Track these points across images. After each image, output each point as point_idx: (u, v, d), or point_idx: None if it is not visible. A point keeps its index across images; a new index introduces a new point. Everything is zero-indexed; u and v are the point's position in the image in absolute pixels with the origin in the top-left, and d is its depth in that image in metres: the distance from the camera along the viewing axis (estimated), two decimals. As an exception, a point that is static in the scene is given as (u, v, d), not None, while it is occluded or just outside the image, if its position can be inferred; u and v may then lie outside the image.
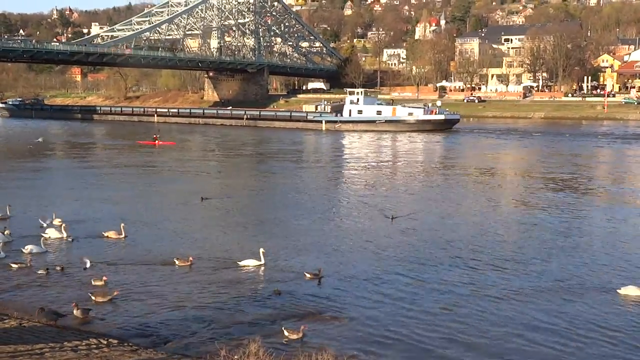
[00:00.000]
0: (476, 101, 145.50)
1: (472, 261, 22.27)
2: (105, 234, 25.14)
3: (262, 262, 21.51)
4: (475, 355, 14.75)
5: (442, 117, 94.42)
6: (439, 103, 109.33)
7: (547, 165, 53.50)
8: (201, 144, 77.92)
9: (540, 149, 68.44)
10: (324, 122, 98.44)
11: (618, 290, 18.35)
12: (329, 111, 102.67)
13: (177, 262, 21.20)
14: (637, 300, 17.86)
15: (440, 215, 30.52)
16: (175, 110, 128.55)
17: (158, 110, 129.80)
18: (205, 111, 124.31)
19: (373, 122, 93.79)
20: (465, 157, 60.95)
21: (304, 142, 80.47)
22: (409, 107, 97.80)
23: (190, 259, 21.37)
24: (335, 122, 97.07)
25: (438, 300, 18.29)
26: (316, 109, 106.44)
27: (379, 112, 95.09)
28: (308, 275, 20.04)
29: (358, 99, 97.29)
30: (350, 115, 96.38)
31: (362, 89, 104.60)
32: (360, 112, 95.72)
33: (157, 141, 69.47)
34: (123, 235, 24.96)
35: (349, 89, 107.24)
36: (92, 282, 18.97)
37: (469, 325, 16.38)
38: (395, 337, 15.65)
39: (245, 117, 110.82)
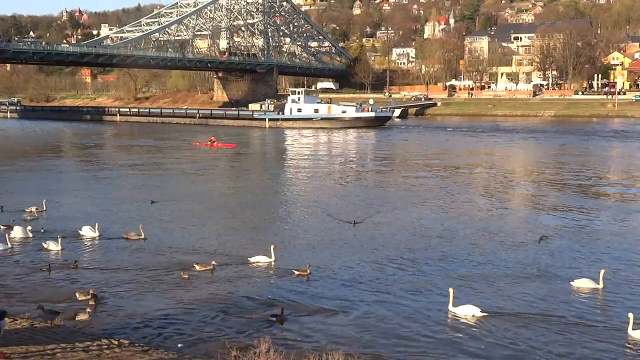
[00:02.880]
0: (423, 99, 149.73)
1: (437, 253, 23.15)
2: (125, 235, 25.18)
3: (273, 258, 21.77)
4: (458, 340, 15.11)
5: (372, 114, 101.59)
6: (371, 102, 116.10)
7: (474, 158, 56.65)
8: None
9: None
10: (267, 119, 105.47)
11: (571, 282, 19.05)
12: (272, 109, 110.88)
13: (197, 267, 20.92)
14: (587, 292, 18.51)
15: (398, 213, 30.96)
16: (136, 110, 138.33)
17: (121, 110, 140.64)
18: (163, 110, 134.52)
19: (311, 119, 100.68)
20: (393, 153, 65.74)
21: (249, 138, 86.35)
22: (343, 105, 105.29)
23: (214, 263, 21.04)
24: (277, 119, 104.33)
25: (417, 294, 18.54)
26: (261, 107, 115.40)
27: (316, 110, 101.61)
28: (296, 272, 20.32)
29: (299, 97, 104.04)
30: (290, 113, 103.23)
31: (303, 89, 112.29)
32: (299, 110, 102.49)
33: (214, 143, 68.72)
34: (143, 237, 24.97)
35: (290, 89, 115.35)
36: (77, 296, 18.15)
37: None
38: (384, 330, 15.91)
39: (197, 115, 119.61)
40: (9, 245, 23.70)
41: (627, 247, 24.27)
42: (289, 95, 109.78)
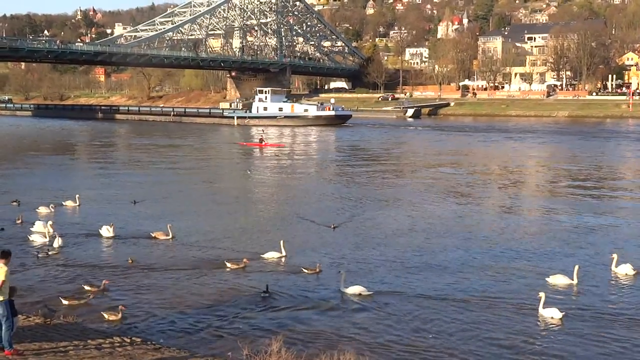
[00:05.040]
0: (389, 99, 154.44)
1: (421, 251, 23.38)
2: (153, 235, 24.93)
3: (284, 253, 22.00)
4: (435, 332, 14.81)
5: (332, 113, 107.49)
6: (332, 100, 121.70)
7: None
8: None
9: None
10: (235, 117, 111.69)
11: (547, 278, 19.45)
12: (240, 108, 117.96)
13: (228, 264, 20.77)
14: (561, 288, 18.94)
15: (368, 213, 30.88)
16: (116, 108, 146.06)
17: (102, 107, 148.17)
18: (141, 108, 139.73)
19: (275, 117, 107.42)
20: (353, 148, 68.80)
21: (217, 135, 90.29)
22: (306, 104, 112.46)
23: (245, 261, 20.96)
24: (245, 117, 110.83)
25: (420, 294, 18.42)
26: (230, 106, 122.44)
27: (280, 109, 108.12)
28: (306, 271, 20.27)
29: (266, 97, 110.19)
30: (257, 111, 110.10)
31: (270, 88, 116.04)
32: (265, 109, 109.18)
33: (263, 142, 68.12)
34: (170, 236, 24.70)
35: (258, 88, 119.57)
36: (86, 287, 18.18)
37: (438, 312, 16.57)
38: (396, 328, 15.80)
39: (172, 113, 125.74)
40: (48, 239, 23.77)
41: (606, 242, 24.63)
42: (255, 94, 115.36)
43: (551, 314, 16.27)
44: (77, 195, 31.41)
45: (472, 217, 29.64)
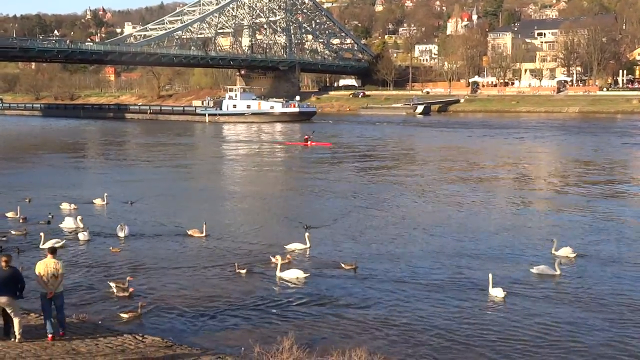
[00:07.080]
0: (360, 95, 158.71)
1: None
2: (189, 232, 24.90)
3: (308, 245, 22.43)
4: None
5: (297, 110, 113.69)
6: (297, 98, 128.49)
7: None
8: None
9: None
10: (207, 115, 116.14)
11: (531, 269, 20.21)
12: (212, 105, 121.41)
13: (273, 260, 20.64)
14: (545, 278, 19.67)
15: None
16: (98, 107, 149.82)
17: (85, 106, 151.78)
18: (120, 107, 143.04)
19: (243, 114, 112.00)
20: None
21: (188, 131, 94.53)
22: (272, 101, 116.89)
23: (288, 257, 20.93)
24: (215, 115, 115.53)
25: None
26: (202, 104, 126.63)
27: (248, 106, 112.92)
28: (344, 266, 20.29)
29: (236, 94, 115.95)
30: (227, 109, 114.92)
31: (240, 86, 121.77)
32: (234, 106, 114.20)
33: (309, 142, 66.40)
34: (204, 234, 24.66)
35: (228, 87, 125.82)
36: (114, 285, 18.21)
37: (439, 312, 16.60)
38: (409, 328, 15.55)
39: (149, 111, 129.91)
40: (88, 238, 23.93)
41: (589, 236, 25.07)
42: (226, 92, 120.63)
43: (496, 293, 17.78)
44: (105, 194, 31.53)
45: (461, 213, 29.68)
